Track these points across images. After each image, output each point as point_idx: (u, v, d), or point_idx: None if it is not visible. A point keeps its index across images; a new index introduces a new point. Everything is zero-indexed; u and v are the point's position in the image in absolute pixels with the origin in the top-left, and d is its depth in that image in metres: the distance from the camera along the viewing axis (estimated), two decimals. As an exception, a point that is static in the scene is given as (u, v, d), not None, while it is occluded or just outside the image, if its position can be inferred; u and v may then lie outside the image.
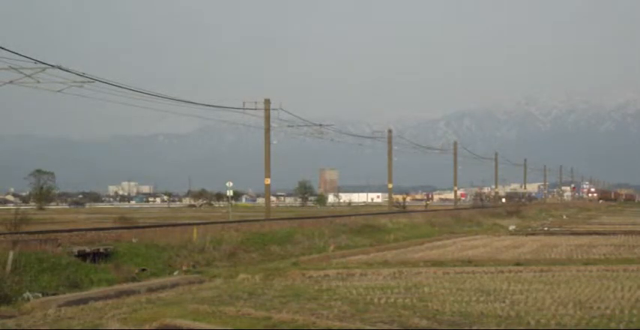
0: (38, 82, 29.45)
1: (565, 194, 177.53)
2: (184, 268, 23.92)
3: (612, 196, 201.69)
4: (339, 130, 63.17)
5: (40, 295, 17.38)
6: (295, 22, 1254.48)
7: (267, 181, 44.52)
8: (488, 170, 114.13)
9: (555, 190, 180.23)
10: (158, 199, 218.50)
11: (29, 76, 28.80)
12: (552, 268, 22.25)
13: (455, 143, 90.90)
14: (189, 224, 33.88)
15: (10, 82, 29.43)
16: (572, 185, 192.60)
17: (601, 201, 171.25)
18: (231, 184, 52.84)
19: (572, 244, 33.32)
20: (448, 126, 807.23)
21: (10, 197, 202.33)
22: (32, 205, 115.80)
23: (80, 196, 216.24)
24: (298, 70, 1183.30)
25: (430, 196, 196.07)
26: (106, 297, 16.89)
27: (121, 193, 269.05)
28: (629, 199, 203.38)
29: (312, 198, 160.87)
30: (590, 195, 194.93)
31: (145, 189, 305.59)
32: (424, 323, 13.18)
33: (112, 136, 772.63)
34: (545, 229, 50.64)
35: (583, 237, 39.05)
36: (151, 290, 18.27)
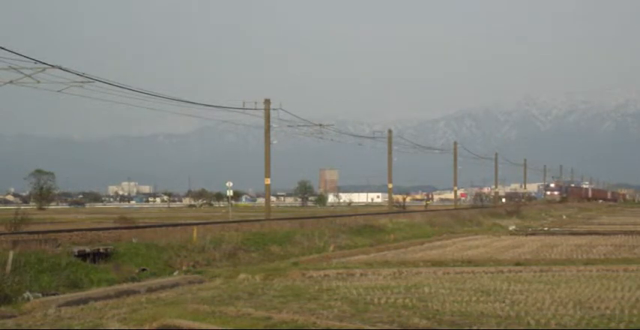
0: (38, 82, 29.45)
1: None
2: (184, 268, 23.90)
3: (588, 194, 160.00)
4: (339, 130, 63.17)
5: (40, 295, 17.37)
6: (295, 22, 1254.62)
7: (267, 181, 44.50)
8: (489, 170, 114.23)
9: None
10: (158, 199, 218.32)
11: (29, 76, 28.80)
12: (552, 268, 22.24)
13: (455, 143, 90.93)
14: (189, 224, 33.85)
15: (10, 82, 29.44)
16: (572, 185, 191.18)
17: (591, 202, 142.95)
18: (231, 184, 52.83)
19: (572, 244, 33.30)
20: (448, 126, 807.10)
21: (10, 197, 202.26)
22: (32, 205, 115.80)
23: (80, 196, 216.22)
24: (298, 70, 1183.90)
25: (430, 196, 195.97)
26: (106, 297, 16.89)
27: (121, 193, 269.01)
28: (623, 198, 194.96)
29: (312, 198, 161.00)
30: (549, 194, 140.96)
31: (145, 189, 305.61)
32: (424, 323, 13.18)
33: (112, 136, 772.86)
34: (545, 229, 50.62)
35: (583, 237, 39.01)
36: (151, 290, 18.27)
